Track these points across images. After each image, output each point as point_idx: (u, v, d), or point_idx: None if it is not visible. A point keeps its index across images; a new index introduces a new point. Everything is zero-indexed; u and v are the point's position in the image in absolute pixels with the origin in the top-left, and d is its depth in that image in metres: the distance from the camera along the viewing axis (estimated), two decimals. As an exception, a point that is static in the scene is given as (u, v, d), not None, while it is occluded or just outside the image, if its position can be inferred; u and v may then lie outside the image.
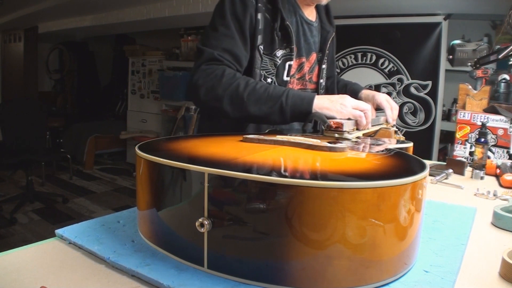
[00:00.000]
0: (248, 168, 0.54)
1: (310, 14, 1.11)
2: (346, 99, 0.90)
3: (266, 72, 1.01)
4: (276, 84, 1.02)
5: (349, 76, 3.03)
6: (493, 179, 1.21)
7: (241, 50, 0.95)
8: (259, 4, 0.96)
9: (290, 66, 1.03)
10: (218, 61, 0.93)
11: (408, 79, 2.79)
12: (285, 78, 1.03)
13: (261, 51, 0.98)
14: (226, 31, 0.94)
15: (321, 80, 1.17)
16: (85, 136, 4.67)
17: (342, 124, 0.82)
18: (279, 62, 1.01)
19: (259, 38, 0.97)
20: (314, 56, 1.12)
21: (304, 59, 1.08)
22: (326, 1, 1.08)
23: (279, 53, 1.00)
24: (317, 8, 1.15)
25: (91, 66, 5.94)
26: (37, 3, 4.07)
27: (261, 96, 0.90)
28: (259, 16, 0.96)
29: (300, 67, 1.08)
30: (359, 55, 2.97)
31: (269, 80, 1.01)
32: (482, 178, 1.20)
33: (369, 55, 2.93)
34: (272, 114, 0.90)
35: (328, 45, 1.15)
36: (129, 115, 4.92)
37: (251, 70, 0.98)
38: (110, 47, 5.65)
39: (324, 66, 1.16)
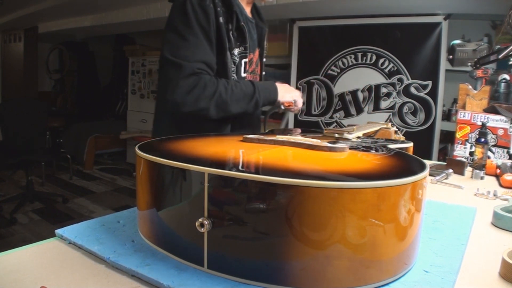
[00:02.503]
0: (248, 168, 0.54)
1: (249, 12, 1.19)
2: (289, 86, 1.18)
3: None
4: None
5: (349, 76, 3.03)
6: (493, 179, 1.21)
7: (211, 56, 1.01)
8: (218, 9, 1.01)
9: (245, 63, 1.11)
10: (196, 75, 0.97)
11: (408, 79, 2.79)
12: (243, 74, 1.12)
13: (233, 54, 1.06)
14: (196, 40, 0.98)
15: (263, 72, 1.30)
16: (85, 136, 4.67)
17: (293, 102, 1.16)
18: (237, 60, 1.08)
19: (226, 41, 1.03)
20: (257, 52, 1.22)
21: (252, 55, 1.17)
22: (267, 1, 1.21)
23: (236, 51, 1.07)
24: (253, 5, 1.22)
25: (91, 66, 5.94)
26: (37, 3, 4.07)
27: (239, 96, 1.02)
28: (221, 19, 1.01)
29: (251, 62, 1.17)
30: (359, 55, 2.97)
31: (232, 77, 1.09)
32: (482, 178, 1.20)
33: (369, 55, 2.93)
34: (249, 109, 1.05)
35: (265, 40, 1.27)
36: (129, 115, 4.92)
37: (226, 72, 1.04)
38: (110, 47, 5.65)
39: (264, 59, 1.29)
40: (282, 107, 1.14)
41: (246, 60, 1.11)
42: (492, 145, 1.62)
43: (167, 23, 1.01)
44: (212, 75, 1.01)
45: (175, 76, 0.96)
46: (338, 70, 3.07)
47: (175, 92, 0.95)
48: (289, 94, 1.15)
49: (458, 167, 1.25)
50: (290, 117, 3.20)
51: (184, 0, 0.98)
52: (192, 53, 0.97)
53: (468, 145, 1.70)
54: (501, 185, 1.13)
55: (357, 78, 2.98)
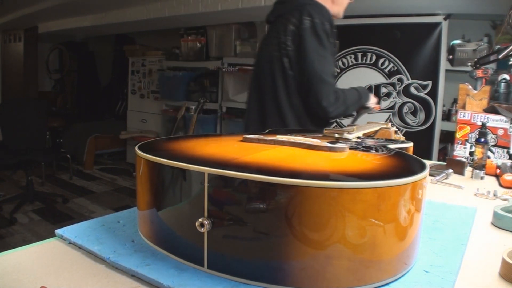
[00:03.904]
0: (248, 168, 0.54)
1: None
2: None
3: None
4: None
5: (349, 76, 3.03)
6: (493, 179, 1.21)
7: (335, 69, 1.40)
8: (334, 30, 1.32)
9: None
10: (334, 87, 1.30)
11: (408, 79, 2.79)
12: None
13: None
14: (329, 58, 1.30)
15: None
16: (85, 136, 4.67)
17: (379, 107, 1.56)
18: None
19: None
20: None
21: None
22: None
23: None
24: None
25: (91, 66, 5.94)
26: (37, 3, 4.07)
27: (353, 102, 1.34)
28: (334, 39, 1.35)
29: None
30: (359, 55, 2.97)
31: None
32: (482, 178, 1.20)
33: (369, 55, 2.93)
34: (355, 111, 1.42)
35: None
36: (129, 115, 4.92)
37: (335, 79, 1.37)
38: (110, 47, 5.65)
39: None
40: (370, 109, 1.47)
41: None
42: (492, 145, 1.62)
43: (306, 44, 1.26)
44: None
45: (323, 89, 1.25)
46: (338, 70, 3.06)
47: (326, 102, 1.25)
48: (374, 98, 1.47)
49: (458, 167, 1.25)
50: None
51: (313, 24, 1.25)
52: (329, 69, 1.29)
53: (468, 145, 1.69)
54: (501, 185, 1.13)
55: (357, 78, 2.98)
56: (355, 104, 1.36)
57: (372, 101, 1.46)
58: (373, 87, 2.93)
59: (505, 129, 1.61)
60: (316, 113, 1.31)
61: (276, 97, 1.36)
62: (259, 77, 1.44)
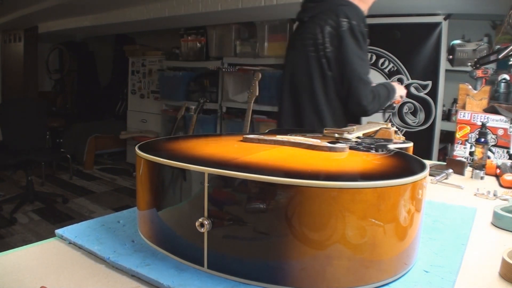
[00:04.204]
0: (248, 168, 0.54)
1: None
2: (397, 84, 1.56)
3: None
4: None
5: (349, 76, 3.03)
6: (493, 179, 1.21)
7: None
8: (367, 30, 1.40)
9: None
10: (372, 91, 1.36)
11: (408, 79, 2.79)
12: None
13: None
14: (366, 59, 1.41)
15: None
16: (85, 136, 4.67)
17: (399, 101, 1.57)
18: None
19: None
20: None
21: None
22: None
23: None
24: None
25: (91, 66, 5.94)
26: (37, 3, 4.06)
27: (384, 98, 1.41)
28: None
29: None
30: (359, 55, 2.96)
31: None
32: (482, 178, 1.20)
33: (369, 55, 2.93)
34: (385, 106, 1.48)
35: None
36: (129, 115, 4.92)
37: None
38: (110, 47, 5.65)
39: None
40: (394, 104, 1.58)
41: None
42: (492, 145, 1.62)
43: (345, 46, 1.32)
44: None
45: (364, 89, 1.32)
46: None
47: (366, 101, 1.32)
48: (401, 91, 1.53)
49: (458, 167, 1.25)
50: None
51: (351, 26, 1.32)
52: (367, 69, 1.37)
53: (468, 145, 1.69)
54: (501, 185, 1.13)
55: (357, 78, 2.98)
56: (386, 100, 1.42)
57: (400, 92, 1.51)
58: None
59: (505, 129, 1.61)
60: (354, 112, 1.38)
61: (313, 97, 1.40)
62: (293, 77, 1.47)
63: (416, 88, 2.77)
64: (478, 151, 1.22)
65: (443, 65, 2.65)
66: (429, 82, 2.72)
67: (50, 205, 3.37)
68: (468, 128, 1.71)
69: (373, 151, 0.70)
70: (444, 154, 2.74)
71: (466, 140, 1.71)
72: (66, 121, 5.18)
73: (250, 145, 0.70)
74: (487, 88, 1.82)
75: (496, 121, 1.63)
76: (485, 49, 2.49)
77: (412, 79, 2.78)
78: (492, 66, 2.12)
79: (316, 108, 1.40)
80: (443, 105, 2.77)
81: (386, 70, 2.87)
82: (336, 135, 0.85)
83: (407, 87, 2.80)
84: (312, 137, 0.73)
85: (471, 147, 1.67)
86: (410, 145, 0.91)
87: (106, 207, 3.39)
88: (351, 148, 0.69)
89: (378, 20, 2.88)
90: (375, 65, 2.91)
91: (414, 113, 2.80)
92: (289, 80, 1.50)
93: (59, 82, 5.94)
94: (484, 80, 1.89)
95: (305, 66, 1.41)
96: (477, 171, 1.21)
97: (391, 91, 1.45)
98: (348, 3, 1.38)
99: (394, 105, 1.61)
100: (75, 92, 5.85)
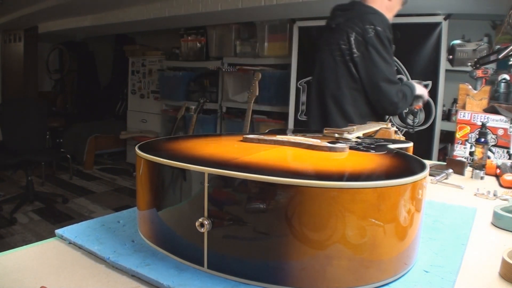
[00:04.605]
0: (248, 168, 0.54)
1: None
2: (418, 85, 1.63)
3: None
4: None
5: (349, 76, 3.02)
6: (493, 179, 1.21)
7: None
8: (391, 35, 1.47)
9: None
10: (400, 90, 1.46)
11: (408, 79, 2.79)
12: None
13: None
14: (392, 62, 1.47)
15: None
16: (85, 136, 4.67)
17: (420, 106, 1.65)
18: None
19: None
20: None
21: None
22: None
23: None
24: None
25: (91, 66, 5.93)
26: (37, 3, 4.06)
27: (410, 96, 1.50)
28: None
29: None
30: (359, 55, 2.96)
31: None
32: (482, 178, 1.20)
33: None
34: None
35: None
36: (129, 115, 4.92)
37: None
38: (110, 47, 5.65)
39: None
40: (415, 109, 1.69)
41: None
42: (492, 145, 1.62)
43: (373, 51, 1.41)
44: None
45: (393, 88, 1.43)
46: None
47: (397, 98, 1.43)
48: (420, 90, 1.61)
49: (458, 167, 1.25)
50: (290, 116, 3.20)
51: (377, 32, 1.40)
52: (393, 70, 1.47)
53: (468, 145, 1.69)
54: (501, 185, 1.13)
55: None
56: (410, 99, 1.52)
57: (420, 91, 1.59)
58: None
59: (505, 129, 1.61)
60: (386, 111, 1.51)
61: (340, 100, 1.48)
62: (320, 81, 1.55)
63: (416, 88, 2.77)
64: (478, 151, 1.22)
65: (443, 65, 2.65)
66: (429, 82, 2.71)
67: (50, 205, 3.37)
68: (468, 128, 1.71)
69: (373, 151, 0.70)
70: (444, 154, 2.74)
71: (466, 140, 1.71)
72: (66, 121, 5.18)
73: (250, 145, 0.70)
74: (487, 88, 1.82)
75: (496, 121, 1.63)
76: (485, 49, 2.48)
77: (412, 79, 2.77)
78: (492, 66, 2.12)
79: (342, 111, 1.48)
80: (443, 105, 2.77)
81: (386, 70, 2.86)
82: (336, 135, 0.85)
83: (407, 87, 2.81)
84: (312, 137, 0.73)
85: (471, 147, 1.67)
86: (410, 145, 0.91)
87: (106, 207, 3.39)
88: (351, 148, 0.69)
89: (378, 20, 2.87)
90: (375, 65, 2.90)
91: (414, 113, 2.79)
92: (317, 84, 1.57)
93: (59, 82, 5.94)
94: (484, 80, 1.89)
95: (332, 71, 1.49)
96: (477, 171, 1.21)
97: (412, 89, 1.53)
98: (374, 11, 1.45)
99: (416, 110, 1.67)
100: (75, 92, 5.85)
